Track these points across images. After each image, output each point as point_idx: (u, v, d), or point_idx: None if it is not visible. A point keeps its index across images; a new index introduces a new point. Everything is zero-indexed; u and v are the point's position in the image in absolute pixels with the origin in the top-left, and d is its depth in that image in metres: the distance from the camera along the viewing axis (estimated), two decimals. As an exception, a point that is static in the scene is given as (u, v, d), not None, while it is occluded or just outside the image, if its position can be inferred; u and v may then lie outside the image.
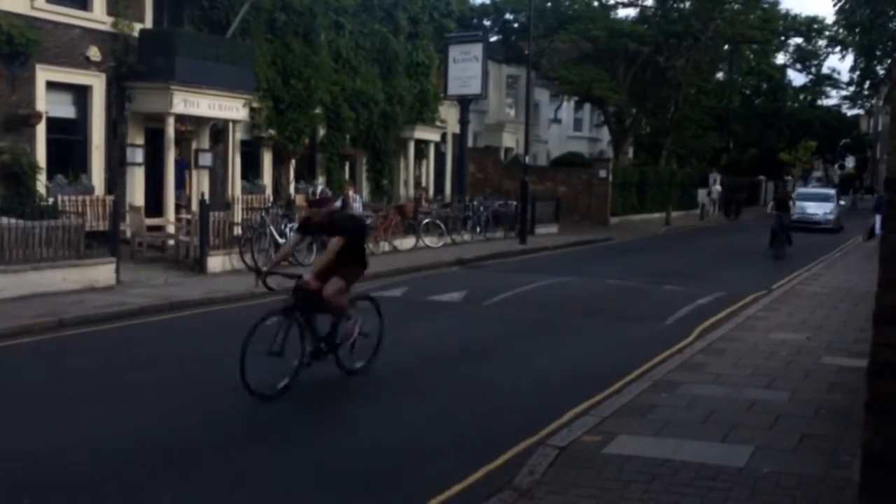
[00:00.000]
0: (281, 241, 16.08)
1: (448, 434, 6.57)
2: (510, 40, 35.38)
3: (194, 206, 16.43)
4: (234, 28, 18.34)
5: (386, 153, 24.92)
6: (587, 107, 42.91)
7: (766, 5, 39.67)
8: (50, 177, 15.62)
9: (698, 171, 43.89)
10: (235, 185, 19.13)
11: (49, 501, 5.12)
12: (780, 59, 53.91)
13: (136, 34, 16.80)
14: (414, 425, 6.80)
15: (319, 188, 8.15)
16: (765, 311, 12.33)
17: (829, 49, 50.14)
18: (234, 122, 18.79)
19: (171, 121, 16.80)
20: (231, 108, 18.10)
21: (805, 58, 54.00)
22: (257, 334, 7.09)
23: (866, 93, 54.37)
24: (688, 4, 36.97)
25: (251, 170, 20.29)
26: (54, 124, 15.78)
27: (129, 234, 16.00)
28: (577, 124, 46.34)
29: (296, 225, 16.67)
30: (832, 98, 61.57)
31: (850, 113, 65.12)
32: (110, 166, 16.75)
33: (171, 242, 16.35)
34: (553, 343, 10.38)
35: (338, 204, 19.61)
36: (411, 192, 25.47)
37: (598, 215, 31.67)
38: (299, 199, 20.01)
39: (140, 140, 17.30)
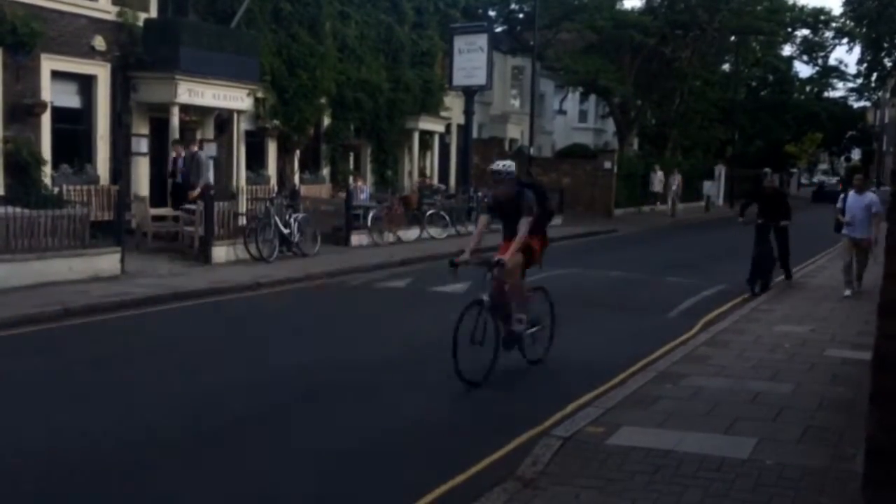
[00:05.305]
0: (285, 231, 16.08)
1: (451, 424, 6.58)
2: (515, 31, 35.28)
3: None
4: (238, 18, 18.30)
5: (390, 144, 24.89)
6: (592, 98, 42.80)
7: (772, -4, 39.50)
8: (55, 166, 15.62)
9: (703, 162, 43.78)
10: (240, 175, 19.13)
11: (51, 490, 5.13)
12: (787, 50, 53.72)
13: (140, 24, 16.77)
14: (417, 415, 6.81)
15: (502, 164, 7.92)
16: (769, 304, 12.33)
17: (836, 41, 49.90)
18: (239, 112, 18.77)
19: (175, 111, 16.79)
20: (236, 98, 18.08)
21: (812, 49, 53.75)
22: (464, 323, 7.31)
23: (873, 85, 54.11)
24: (694, -5, 36.84)
25: (256, 160, 20.28)
26: (59, 114, 15.78)
27: (133, 223, 16.02)
28: (583, 116, 46.25)
29: (300, 216, 16.75)
30: (839, 90, 61.32)
31: (856, 105, 64.85)
32: (115, 156, 16.76)
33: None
34: (556, 334, 10.36)
35: (341, 195, 19.72)
36: (417, 182, 25.46)
37: (603, 207, 31.62)
38: (305, 190, 20.04)
39: (145, 130, 17.30)
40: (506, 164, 7.94)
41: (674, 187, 33.76)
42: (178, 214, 15.87)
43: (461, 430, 6.44)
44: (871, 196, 12.77)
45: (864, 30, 39.47)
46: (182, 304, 11.58)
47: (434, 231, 20.85)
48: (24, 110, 14.94)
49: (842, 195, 13.48)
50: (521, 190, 7.90)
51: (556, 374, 8.29)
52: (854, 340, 9.46)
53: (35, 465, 5.47)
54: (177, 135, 16.83)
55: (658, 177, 34.32)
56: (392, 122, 24.53)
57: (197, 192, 15.39)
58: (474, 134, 29.04)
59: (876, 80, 50.32)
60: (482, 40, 25.51)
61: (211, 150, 18.10)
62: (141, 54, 16.67)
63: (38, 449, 5.77)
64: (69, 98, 16.27)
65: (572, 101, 44.86)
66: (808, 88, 59.47)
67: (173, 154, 16.39)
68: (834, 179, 47.40)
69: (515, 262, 7.76)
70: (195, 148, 16.56)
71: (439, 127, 27.04)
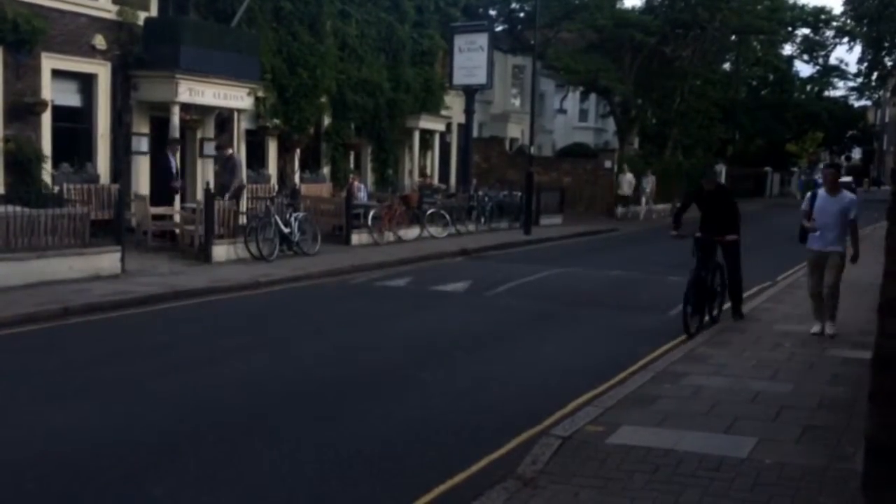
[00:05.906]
0: (285, 230, 16.09)
1: (451, 424, 6.58)
2: (516, 30, 35.27)
3: (199, 196, 16.45)
4: (239, 16, 18.29)
5: (391, 143, 24.89)
6: (593, 97, 42.80)
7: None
8: (55, 165, 15.61)
9: (704, 161, 43.76)
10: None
11: (51, 490, 5.13)
12: (787, 49, 53.61)
13: (141, 23, 16.76)
14: (417, 415, 6.81)
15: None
16: (769, 303, 12.34)
17: (837, 40, 49.81)
18: (240, 111, 18.76)
19: (176, 110, 16.78)
20: (236, 97, 18.07)
21: (812, 48, 53.65)
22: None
23: (874, 84, 54.09)
24: (694, -6, 36.78)
25: (256, 159, 20.28)
26: (60, 113, 15.78)
27: (134, 222, 16.02)
28: (583, 115, 46.26)
29: (301, 215, 16.76)
30: (839, 89, 61.24)
31: (857, 104, 64.82)
32: (115, 155, 16.76)
33: (177, 231, 16.37)
34: (557, 333, 10.39)
35: (342, 194, 19.71)
36: (416, 181, 25.47)
37: (603, 206, 31.61)
38: (305, 190, 20.03)
39: (145, 129, 17.29)
40: None
41: (647, 189, 32.59)
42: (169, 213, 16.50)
43: (461, 429, 6.44)
44: (848, 197, 9.73)
45: (865, 29, 39.43)
46: (182, 303, 11.59)
47: (434, 230, 20.86)
48: (25, 109, 14.94)
49: (808, 194, 10.52)
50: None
51: (556, 373, 8.29)
52: (854, 340, 9.46)
53: (35, 464, 5.47)
54: (177, 134, 16.83)
55: (627, 178, 32.01)
56: (392, 121, 24.52)
57: (231, 192, 16.52)
58: (475, 133, 29.04)
59: (876, 80, 50.26)
60: (483, 39, 25.52)
61: (211, 149, 18.12)
62: (141, 53, 16.67)
63: (38, 448, 5.77)
64: (70, 97, 16.27)
65: (573, 101, 44.86)
66: (808, 88, 59.39)
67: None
68: (848, 178, 46.99)
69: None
70: (230, 151, 17.62)
71: (440, 126, 27.04)
